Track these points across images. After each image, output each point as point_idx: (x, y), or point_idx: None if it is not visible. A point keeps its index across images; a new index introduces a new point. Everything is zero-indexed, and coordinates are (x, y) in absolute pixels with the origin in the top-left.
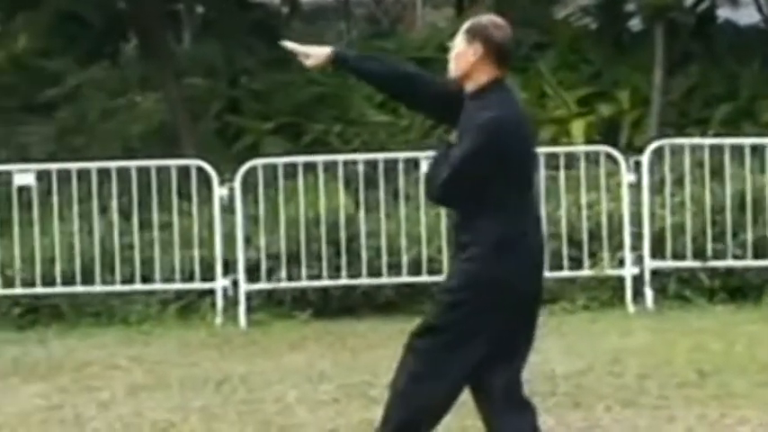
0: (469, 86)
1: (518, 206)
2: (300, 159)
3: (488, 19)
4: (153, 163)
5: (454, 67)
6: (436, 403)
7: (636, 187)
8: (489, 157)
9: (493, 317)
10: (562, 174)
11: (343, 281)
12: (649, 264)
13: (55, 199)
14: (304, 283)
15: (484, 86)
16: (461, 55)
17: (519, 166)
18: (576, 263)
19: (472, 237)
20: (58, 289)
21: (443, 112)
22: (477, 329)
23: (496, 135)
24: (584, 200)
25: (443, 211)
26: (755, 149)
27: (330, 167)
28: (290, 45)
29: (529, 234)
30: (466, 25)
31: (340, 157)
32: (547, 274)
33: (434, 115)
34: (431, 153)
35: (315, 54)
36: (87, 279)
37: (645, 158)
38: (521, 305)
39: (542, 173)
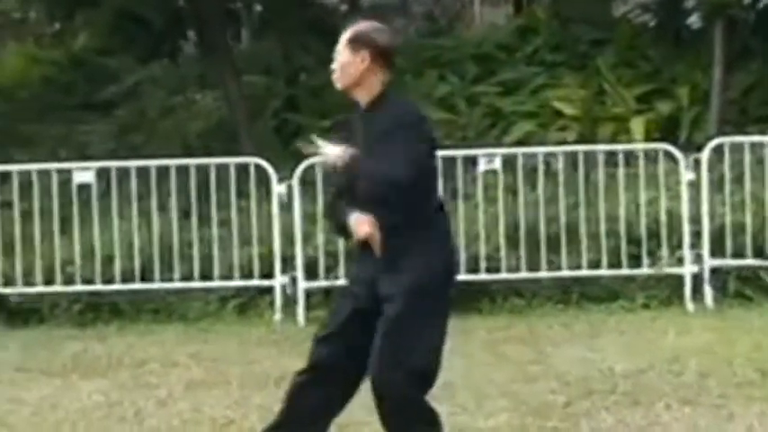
0: (363, 97)
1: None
2: None
3: (369, 25)
4: (212, 161)
5: (341, 78)
6: None
7: (695, 185)
8: (426, 146)
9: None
10: (621, 171)
11: None
12: (709, 262)
13: (114, 197)
14: None
15: (381, 92)
16: (348, 65)
17: (433, 165)
18: (635, 261)
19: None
20: (118, 286)
21: None
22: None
23: (423, 125)
24: (643, 198)
25: (501, 209)
26: None
27: None
28: (313, 146)
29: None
30: (347, 35)
31: None
32: (606, 271)
33: None
34: (489, 150)
35: (343, 156)
36: (146, 276)
37: (704, 156)
38: None
39: (601, 170)
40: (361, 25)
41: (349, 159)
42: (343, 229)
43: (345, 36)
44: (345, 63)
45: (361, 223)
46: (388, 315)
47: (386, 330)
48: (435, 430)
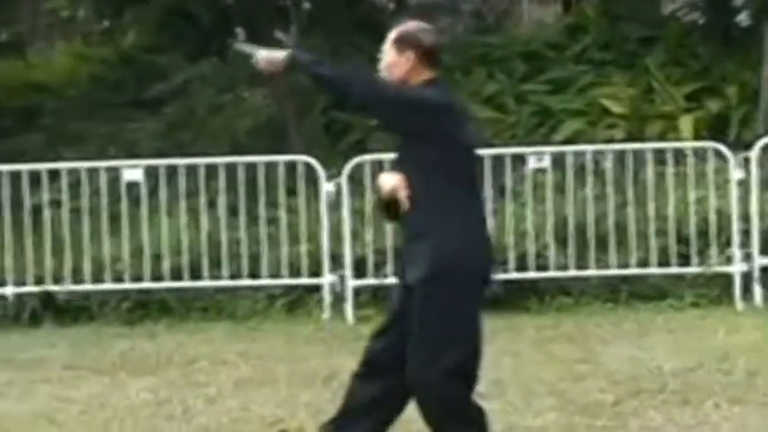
0: None
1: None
2: None
3: (415, 25)
4: (260, 159)
5: (388, 77)
6: None
7: (744, 183)
8: (426, 118)
9: None
10: (670, 170)
11: None
12: (759, 261)
13: (163, 195)
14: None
15: (418, 85)
16: (394, 65)
17: (458, 152)
18: (685, 259)
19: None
20: (167, 284)
21: None
22: None
23: (436, 110)
24: (692, 196)
25: (549, 208)
26: None
27: None
28: (245, 47)
29: (472, 227)
30: (393, 35)
31: None
32: (655, 270)
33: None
34: (538, 149)
35: (273, 59)
36: (195, 274)
37: (754, 155)
38: None
39: (650, 169)
40: (407, 25)
41: (280, 60)
42: (385, 207)
43: (391, 36)
44: (391, 63)
45: (387, 180)
46: (411, 307)
47: (414, 325)
48: (477, 430)
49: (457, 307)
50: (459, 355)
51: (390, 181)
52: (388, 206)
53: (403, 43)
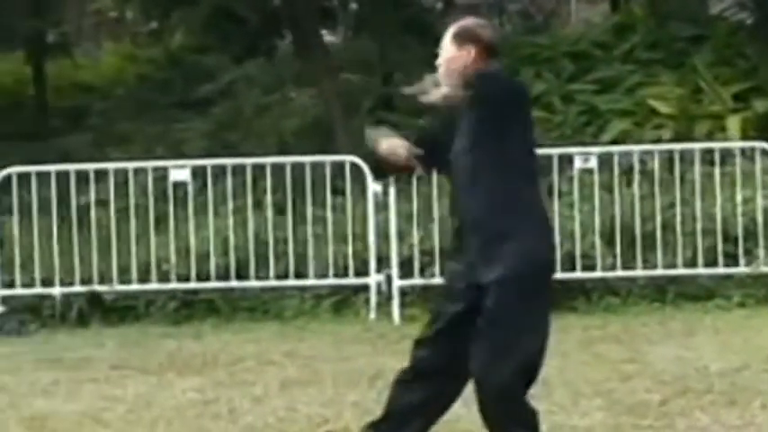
0: (467, 92)
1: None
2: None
3: (473, 21)
4: (307, 159)
5: (446, 72)
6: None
7: None
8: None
9: None
10: (717, 170)
11: None
12: None
13: (210, 194)
14: None
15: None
16: (454, 60)
17: (531, 150)
18: (732, 260)
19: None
20: (213, 284)
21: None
22: None
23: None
24: (739, 196)
25: (596, 208)
26: None
27: None
28: (372, 134)
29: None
30: (452, 30)
31: None
32: (702, 270)
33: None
34: (584, 149)
35: (396, 151)
36: (242, 274)
37: None
38: None
39: (697, 169)
40: (466, 21)
41: (449, 94)
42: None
43: (450, 31)
44: (451, 58)
45: (384, 141)
46: (486, 307)
47: (485, 324)
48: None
49: (536, 308)
50: (527, 355)
51: (389, 142)
52: (383, 164)
53: (462, 38)
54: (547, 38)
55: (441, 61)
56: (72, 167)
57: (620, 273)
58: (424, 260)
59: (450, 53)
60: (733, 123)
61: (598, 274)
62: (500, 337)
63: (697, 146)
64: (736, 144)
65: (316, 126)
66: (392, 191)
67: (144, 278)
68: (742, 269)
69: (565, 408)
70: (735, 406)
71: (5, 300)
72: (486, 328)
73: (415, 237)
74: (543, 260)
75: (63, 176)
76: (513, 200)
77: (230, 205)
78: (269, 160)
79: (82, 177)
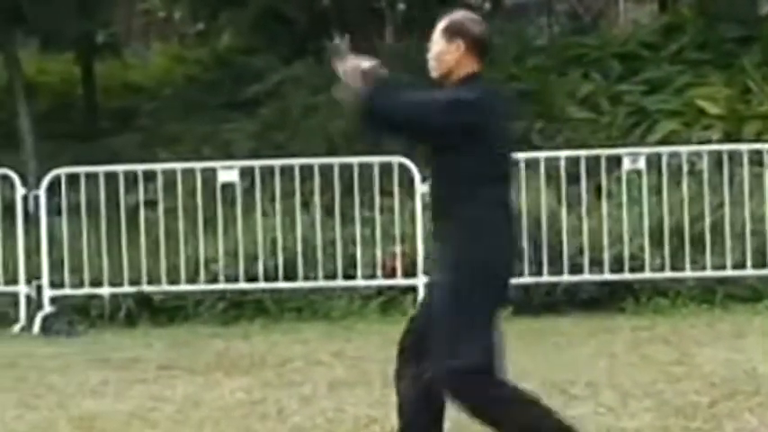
0: (449, 84)
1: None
2: None
3: (464, 15)
4: (355, 159)
5: (437, 66)
6: None
7: None
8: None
9: None
10: (766, 170)
11: (545, 278)
12: None
13: (258, 195)
14: None
15: (462, 79)
16: (443, 53)
17: (491, 150)
18: None
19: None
20: (261, 284)
21: None
22: None
23: (464, 104)
24: None
25: (645, 209)
26: None
27: (532, 164)
28: (341, 47)
29: (500, 221)
30: (443, 24)
31: (542, 154)
32: (751, 272)
33: None
34: (633, 149)
35: (356, 70)
36: (290, 275)
37: None
38: None
39: (746, 169)
40: (456, 14)
41: (365, 71)
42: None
43: (440, 25)
44: (440, 52)
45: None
46: (433, 306)
47: (433, 325)
48: (511, 414)
49: (468, 309)
50: (467, 357)
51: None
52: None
53: (452, 32)
54: (595, 38)
55: (431, 55)
56: (120, 168)
57: (668, 274)
58: None
59: (439, 47)
60: None
61: (647, 275)
62: (438, 337)
63: (745, 146)
64: None
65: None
66: None
67: (192, 278)
68: None
69: (613, 409)
70: None
71: (54, 300)
72: (433, 330)
73: None
74: (482, 269)
75: (112, 177)
76: (456, 205)
77: (278, 206)
78: (317, 161)
79: (130, 178)
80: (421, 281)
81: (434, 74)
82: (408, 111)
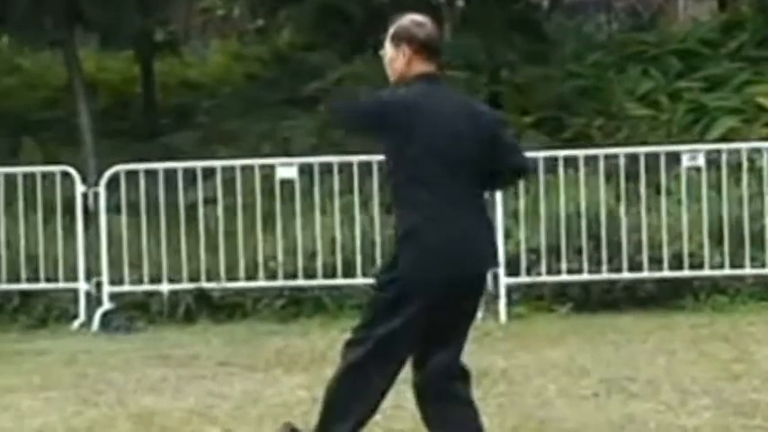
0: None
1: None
2: (561, 154)
3: (409, 20)
4: None
5: (391, 73)
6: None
7: None
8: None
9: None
10: None
11: (604, 275)
12: None
13: (317, 192)
14: (564, 278)
15: (409, 80)
16: (393, 60)
17: (424, 154)
18: None
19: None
20: (320, 281)
21: None
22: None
23: (393, 105)
24: None
25: (704, 206)
26: None
27: (590, 161)
28: None
29: (433, 225)
30: (390, 32)
31: (601, 152)
32: None
33: None
34: (692, 146)
35: None
36: (349, 272)
37: None
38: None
39: None
40: (402, 20)
41: None
42: None
43: (389, 33)
44: (391, 59)
45: None
46: None
47: None
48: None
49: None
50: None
51: None
52: None
53: (398, 38)
54: (654, 35)
55: (386, 62)
56: (180, 165)
57: (727, 271)
58: (531, 258)
59: (389, 54)
60: None
61: (706, 272)
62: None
63: None
64: None
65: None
66: None
67: (251, 275)
68: None
69: (672, 407)
70: None
71: (114, 297)
72: None
73: (522, 235)
74: (402, 268)
75: (171, 174)
76: (395, 203)
77: (337, 203)
78: (376, 158)
79: (189, 175)
80: None
81: (392, 79)
82: (345, 112)
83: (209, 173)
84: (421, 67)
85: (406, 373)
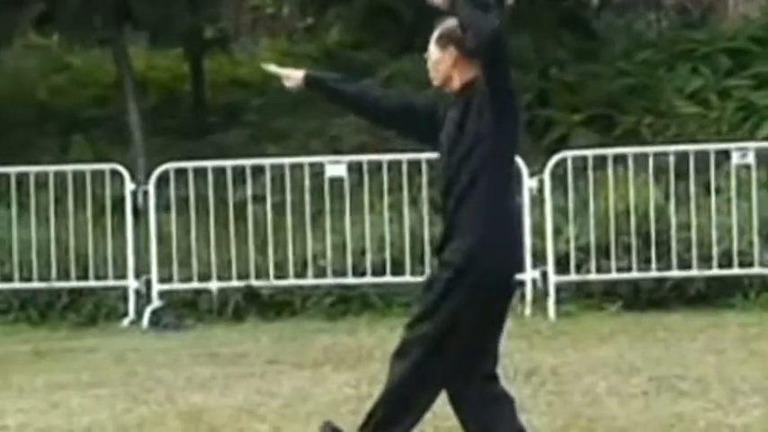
0: (455, 84)
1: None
2: (610, 151)
3: (454, 23)
4: None
5: (435, 75)
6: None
7: None
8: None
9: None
10: None
11: (653, 273)
12: None
13: (366, 190)
14: (614, 276)
15: (465, 84)
16: (439, 62)
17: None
18: None
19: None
20: (369, 279)
21: (417, 126)
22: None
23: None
24: None
25: (754, 204)
26: None
27: (640, 159)
28: (271, 68)
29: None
30: (436, 33)
31: (650, 149)
32: None
33: (409, 131)
34: (742, 144)
35: (292, 76)
36: (397, 269)
37: None
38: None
39: None
40: (448, 22)
41: (300, 80)
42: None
43: (434, 34)
44: (435, 61)
45: None
46: None
47: None
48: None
49: None
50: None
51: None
52: None
53: (445, 39)
54: (704, 33)
55: (429, 65)
56: (229, 163)
57: None
58: (580, 256)
59: (434, 56)
60: None
61: (756, 270)
62: None
63: None
64: None
65: None
66: (547, 187)
67: (300, 273)
68: None
69: (721, 405)
70: None
71: (163, 294)
72: None
73: (571, 233)
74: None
75: (220, 172)
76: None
77: (386, 201)
78: (424, 156)
79: (238, 173)
80: (529, 276)
81: (435, 83)
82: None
83: (258, 171)
84: (471, 70)
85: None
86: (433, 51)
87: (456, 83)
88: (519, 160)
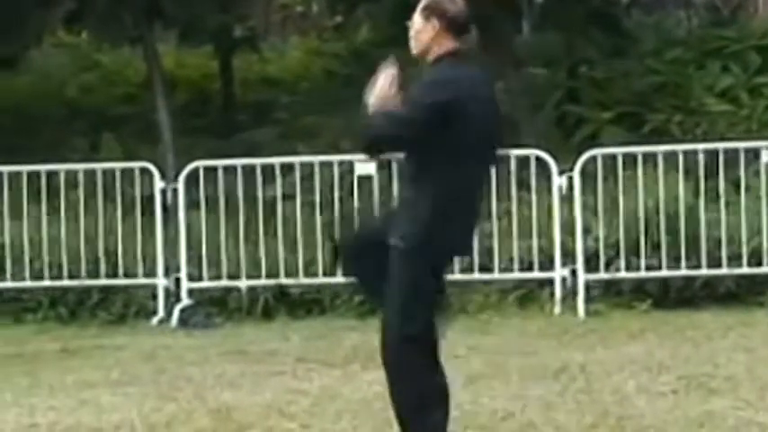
0: (432, 55)
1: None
2: (639, 149)
3: None
4: None
5: (415, 45)
6: None
7: None
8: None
9: None
10: None
11: (683, 271)
12: None
13: (395, 188)
14: (643, 274)
15: (440, 56)
16: (421, 32)
17: (462, 134)
18: None
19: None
20: None
21: None
22: None
23: (442, 91)
24: None
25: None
26: None
27: (670, 157)
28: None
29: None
30: (422, 4)
31: (680, 147)
32: None
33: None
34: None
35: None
36: None
37: None
38: None
39: None
40: None
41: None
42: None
43: (420, 5)
44: (418, 30)
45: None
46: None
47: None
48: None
49: (422, 279)
50: (416, 324)
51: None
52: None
53: (429, 11)
54: (734, 31)
55: (411, 33)
56: (258, 161)
57: None
58: (610, 254)
59: (417, 25)
60: None
61: None
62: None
63: None
64: None
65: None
66: (577, 185)
67: (330, 272)
68: None
69: (752, 404)
70: None
71: (192, 293)
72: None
73: (601, 231)
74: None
75: (249, 170)
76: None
77: None
78: None
79: (268, 171)
80: (558, 274)
81: (414, 51)
82: (395, 122)
83: (287, 169)
84: (449, 43)
85: (485, 368)
86: (417, 21)
87: (433, 54)
88: (548, 158)
